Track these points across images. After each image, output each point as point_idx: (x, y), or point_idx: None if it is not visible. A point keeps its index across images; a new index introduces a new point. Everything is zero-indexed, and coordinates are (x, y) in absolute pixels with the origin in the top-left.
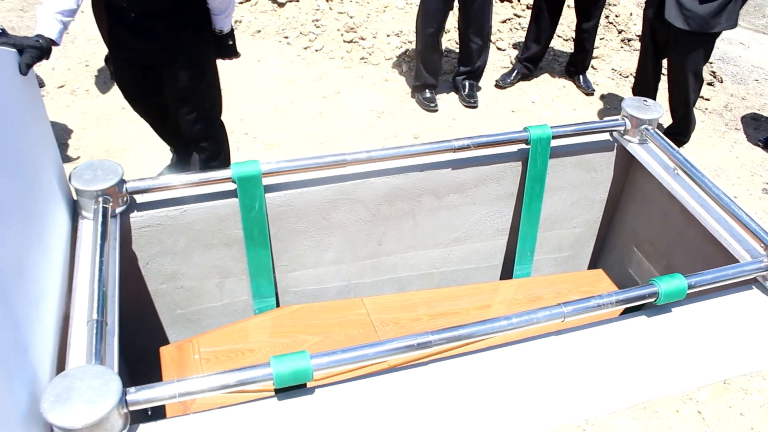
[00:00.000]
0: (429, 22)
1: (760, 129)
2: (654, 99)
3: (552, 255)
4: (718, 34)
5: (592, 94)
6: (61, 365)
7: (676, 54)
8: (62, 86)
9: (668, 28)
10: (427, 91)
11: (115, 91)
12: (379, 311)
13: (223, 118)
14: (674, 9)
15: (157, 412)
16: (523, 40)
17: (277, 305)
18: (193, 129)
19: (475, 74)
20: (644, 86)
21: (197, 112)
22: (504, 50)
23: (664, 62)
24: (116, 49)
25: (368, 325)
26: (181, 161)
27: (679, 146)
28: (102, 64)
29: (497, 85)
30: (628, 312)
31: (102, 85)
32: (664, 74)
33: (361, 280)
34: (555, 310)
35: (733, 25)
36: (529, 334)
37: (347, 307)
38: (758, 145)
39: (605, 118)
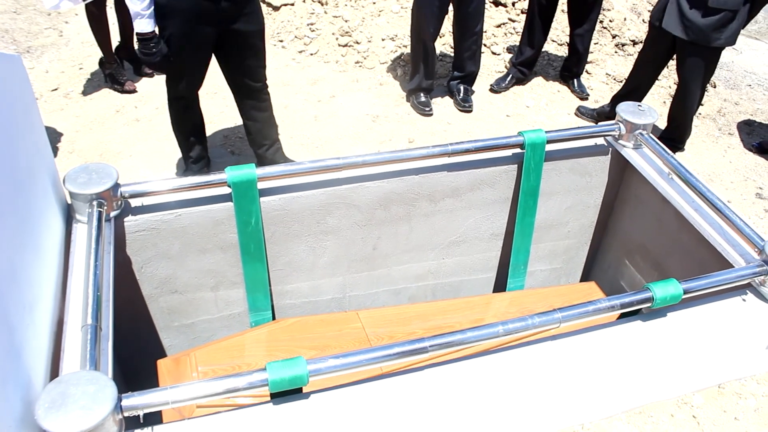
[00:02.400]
0: (424, 27)
1: (753, 134)
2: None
3: (546, 261)
4: (720, 49)
5: (587, 99)
6: (55, 371)
7: (680, 63)
8: (56, 89)
9: (672, 38)
10: (422, 95)
11: (110, 94)
12: (374, 325)
13: (217, 121)
14: (675, 18)
15: (153, 422)
16: (517, 44)
17: (273, 313)
18: (259, 74)
19: (470, 78)
20: (634, 91)
21: (262, 55)
22: (499, 54)
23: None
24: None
25: (363, 339)
26: (198, 167)
27: (673, 152)
28: (96, 67)
29: (492, 90)
30: (623, 317)
31: (96, 89)
32: (658, 80)
33: (356, 284)
34: (550, 316)
35: (731, 42)
36: (524, 340)
37: (342, 321)
38: (751, 150)
39: (600, 123)
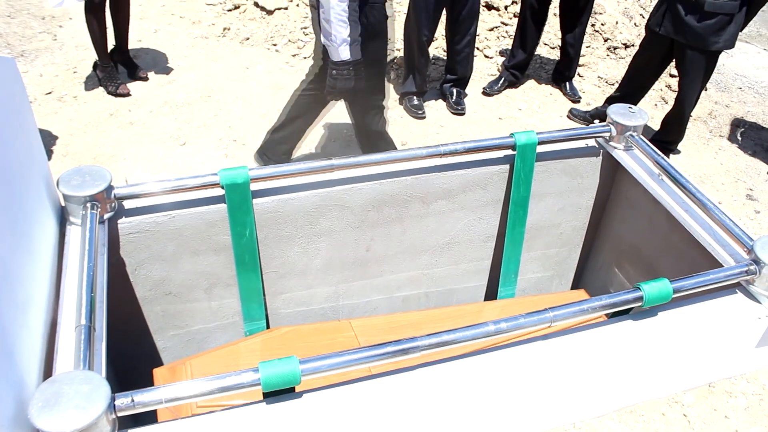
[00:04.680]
0: (418, 30)
1: (744, 136)
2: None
3: (538, 263)
4: (718, 52)
5: (579, 102)
6: (48, 371)
7: (679, 68)
8: (50, 93)
9: (669, 42)
10: (414, 98)
11: (104, 97)
12: (367, 333)
13: (210, 124)
14: (674, 23)
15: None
16: (509, 47)
17: (267, 322)
18: None
19: (462, 81)
20: (631, 95)
21: None
22: (491, 58)
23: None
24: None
25: None
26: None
27: (666, 154)
28: (90, 70)
29: (484, 93)
30: (614, 317)
31: (90, 92)
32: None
33: (350, 287)
34: (542, 315)
35: (730, 45)
36: (515, 338)
37: (335, 330)
38: (743, 150)
39: (591, 125)
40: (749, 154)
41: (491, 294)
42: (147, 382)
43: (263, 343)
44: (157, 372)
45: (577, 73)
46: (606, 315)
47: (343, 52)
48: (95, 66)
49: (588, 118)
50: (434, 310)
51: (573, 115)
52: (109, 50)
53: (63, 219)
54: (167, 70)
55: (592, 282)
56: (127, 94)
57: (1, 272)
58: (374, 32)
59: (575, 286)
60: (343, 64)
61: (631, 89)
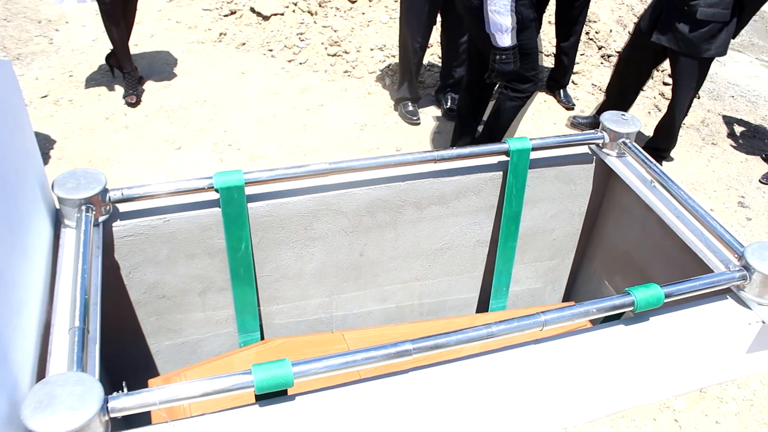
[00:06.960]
0: (413, 37)
1: (736, 144)
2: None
3: (531, 269)
4: (710, 59)
5: (573, 109)
6: (42, 372)
7: (672, 74)
8: (45, 96)
9: (661, 47)
10: (409, 104)
11: (99, 101)
12: (359, 345)
13: (206, 128)
14: (666, 30)
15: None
16: None
17: (261, 332)
18: None
19: (458, 88)
20: (620, 99)
21: None
22: None
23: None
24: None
25: None
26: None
27: (659, 162)
28: (85, 74)
29: None
30: (606, 322)
31: (85, 96)
32: (643, 90)
33: (343, 292)
34: (534, 319)
35: (722, 52)
36: (507, 343)
37: (328, 342)
38: (735, 158)
39: (584, 132)
40: (741, 161)
41: (483, 306)
42: (138, 380)
43: (257, 355)
44: (152, 383)
45: (571, 80)
46: (593, 321)
47: (508, 39)
48: (109, 57)
49: (592, 122)
50: (426, 323)
51: (574, 124)
52: (107, 53)
53: (58, 222)
54: (163, 75)
55: (584, 291)
56: (134, 104)
57: None
58: (523, 26)
59: (567, 296)
60: (507, 50)
61: (620, 90)
